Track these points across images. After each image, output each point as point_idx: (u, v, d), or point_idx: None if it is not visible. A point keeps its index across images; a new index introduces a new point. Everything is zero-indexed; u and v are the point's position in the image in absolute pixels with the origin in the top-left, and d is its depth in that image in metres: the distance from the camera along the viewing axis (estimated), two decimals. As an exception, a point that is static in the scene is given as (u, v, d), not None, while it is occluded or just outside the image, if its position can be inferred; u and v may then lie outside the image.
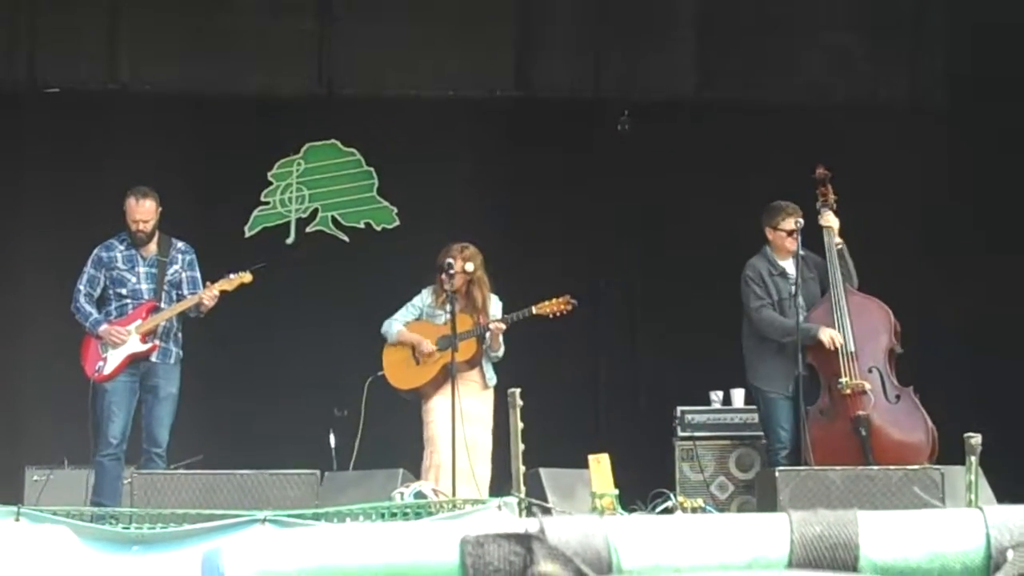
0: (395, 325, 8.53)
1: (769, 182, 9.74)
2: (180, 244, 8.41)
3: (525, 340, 8.65)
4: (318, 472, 7.12)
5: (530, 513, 6.63)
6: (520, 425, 6.72)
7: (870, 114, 10.61)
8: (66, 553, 5.82)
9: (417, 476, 8.17)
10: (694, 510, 7.56)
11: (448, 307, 8.23)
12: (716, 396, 9.30)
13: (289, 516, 6.08)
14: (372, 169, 10.92)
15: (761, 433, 8.79)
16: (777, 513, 1.68)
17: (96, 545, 5.89)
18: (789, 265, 8.42)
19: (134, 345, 8.14)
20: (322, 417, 9.28)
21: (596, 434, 9.81)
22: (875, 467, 7.52)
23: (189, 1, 10.64)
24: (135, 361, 8.15)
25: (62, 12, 10.49)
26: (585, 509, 7.10)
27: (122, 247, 8.32)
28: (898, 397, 8.18)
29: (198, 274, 8.36)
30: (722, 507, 8.63)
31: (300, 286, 10.47)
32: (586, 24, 10.88)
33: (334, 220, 10.88)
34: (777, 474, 7.17)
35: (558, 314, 8.38)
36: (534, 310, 8.36)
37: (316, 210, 10.87)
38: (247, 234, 10.78)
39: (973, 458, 6.45)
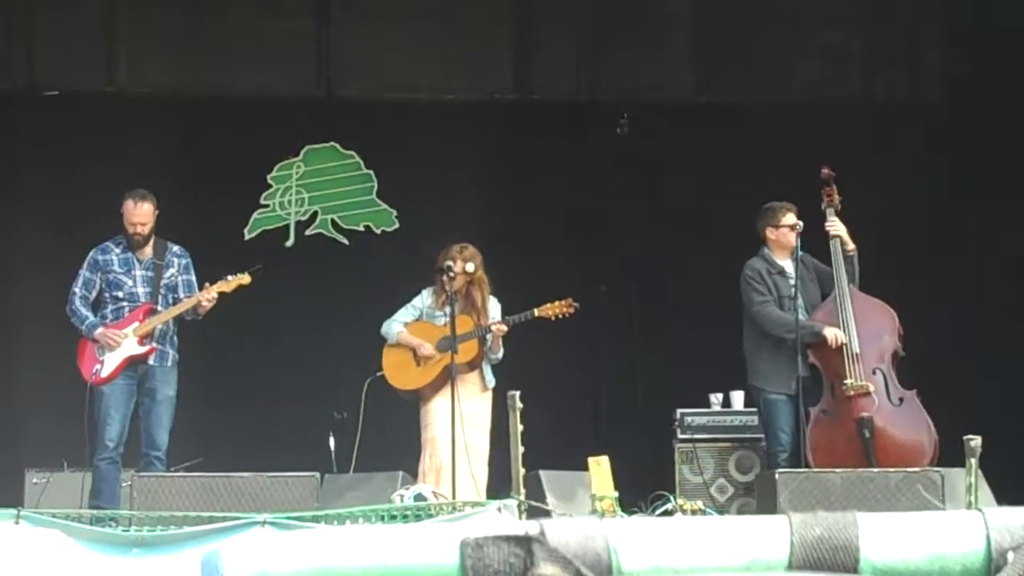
0: (395, 326, 8.53)
1: (768, 183, 9.74)
2: (176, 248, 8.40)
3: (525, 342, 8.65)
4: (318, 475, 7.11)
5: (530, 515, 6.63)
6: (520, 427, 6.72)
7: (868, 114, 10.61)
8: (66, 556, 5.83)
9: (416, 476, 8.17)
10: (694, 512, 7.55)
11: (448, 308, 8.23)
12: (716, 398, 9.29)
13: (289, 519, 6.09)
14: (371, 172, 10.92)
15: (761, 435, 8.79)
16: (777, 515, 1.68)
17: (96, 548, 5.89)
18: (788, 265, 8.43)
19: (131, 348, 8.12)
20: (322, 420, 9.28)
21: (596, 436, 9.81)
22: (875, 469, 7.51)
23: (187, 3, 10.65)
24: (132, 364, 8.13)
25: (60, 14, 10.50)
26: (585, 511, 7.11)
27: (118, 250, 8.31)
28: (901, 400, 8.17)
29: (194, 277, 8.35)
30: (722, 509, 8.63)
31: (300, 289, 10.47)
32: (584, 27, 10.89)
33: (333, 223, 10.88)
34: (777, 476, 7.17)
35: (560, 317, 8.38)
36: (536, 312, 8.36)
37: (316, 213, 10.87)
38: (246, 237, 10.78)
39: (973, 460, 6.45)
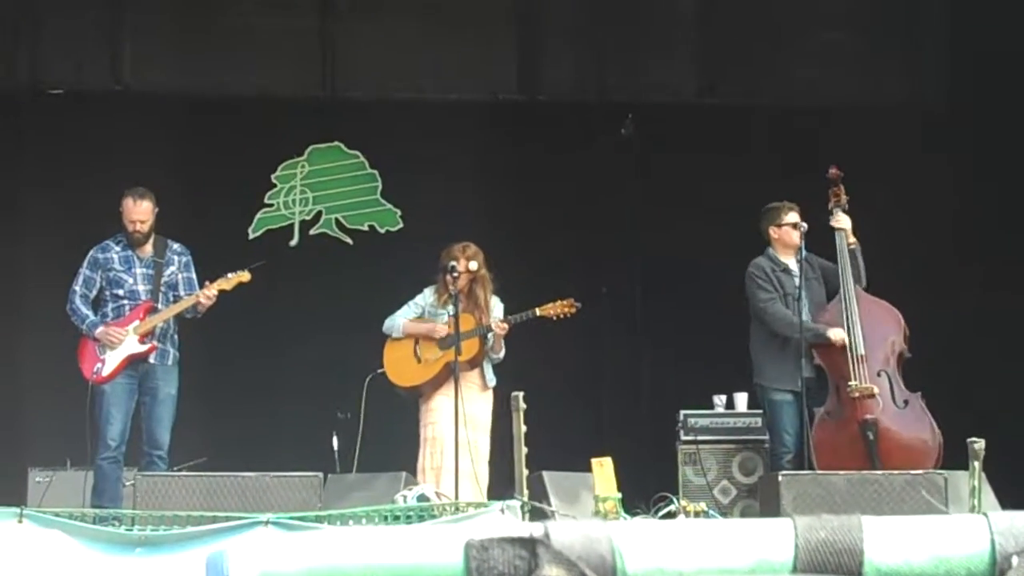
0: (399, 320, 8.54)
1: (772, 184, 9.74)
2: (176, 245, 8.41)
3: (528, 343, 8.65)
4: (321, 475, 7.11)
5: (533, 516, 6.63)
6: (523, 428, 6.72)
7: (871, 115, 10.60)
8: (69, 555, 5.83)
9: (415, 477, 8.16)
10: (697, 514, 7.54)
11: (450, 307, 8.24)
12: (719, 400, 9.28)
13: (292, 519, 6.09)
14: (376, 171, 10.93)
15: (764, 437, 8.79)
16: (782, 518, 1.68)
17: (99, 547, 5.90)
18: (792, 264, 8.44)
19: (132, 346, 8.13)
20: (325, 419, 9.28)
21: (599, 437, 9.80)
22: (879, 472, 7.51)
23: (192, 2, 10.65)
24: (133, 362, 8.14)
25: (64, 14, 10.50)
26: (588, 512, 7.11)
27: (118, 248, 8.32)
28: (906, 402, 8.17)
29: (194, 275, 8.35)
30: (725, 511, 8.62)
31: (304, 288, 10.48)
32: (589, 27, 10.89)
33: (338, 222, 10.89)
34: (780, 478, 7.17)
35: (561, 316, 8.39)
36: (538, 312, 8.37)
37: (320, 212, 10.88)
38: (251, 236, 10.78)
39: (977, 463, 6.45)
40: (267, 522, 5.97)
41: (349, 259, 10.73)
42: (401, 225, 10.85)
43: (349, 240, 10.89)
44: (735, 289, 8.67)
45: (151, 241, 8.31)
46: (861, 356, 8.16)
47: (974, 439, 6.48)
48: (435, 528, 1.70)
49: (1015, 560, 1.61)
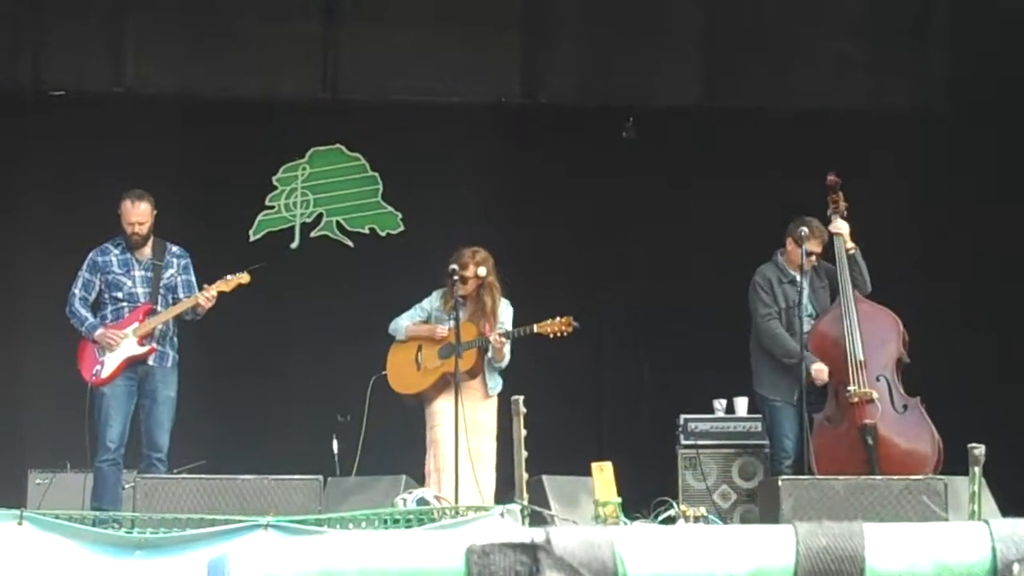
0: (404, 322, 8.54)
1: (774, 189, 9.76)
2: (175, 248, 8.41)
3: (529, 349, 8.65)
4: (321, 478, 7.11)
5: (533, 521, 6.63)
6: (523, 432, 6.72)
7: (873, 121, 10.60)
8: (69, 557, 5.83)
9: (419, 479, 8.16)
10: (696, 519, 7.53)
11: (456, 312, 8.23)
12: (719, 404, 9.28)
13: (292, 522, 6.08)
14: (377, 174, 10.92)
15: (764, 442, 8.79)
16: (783, 525, 1.68)
17: (99, 549, 5.89)
18: (798, 276, 8.43)
19: (131, 348, 8.13)
20: (325, 423, 9.28)
21: (599, 442, 9.81)
22: (878, 477, 7.51)
23: (194, 5, 10.64)
24: (132, 365, 8.14)
25: (67, 15, 10.49)
26: (588, 517, 7.10)
27: (117, 251, 8.32)
28: (905, 407, 8.18)
29: (193, 278, 8.36)
30: (725, 516, 8.62)
31: (304, 291, 10.47)
32: (592, 31, 10.87)
33: (339, 225, 10.88)
34: (780, 483, 7.16)
35: (558, 335, 8.34)
36: (536, 328, 8.33)
37: (321, 215, 10.88)
38: (252, 238, 10.78)
39: (977, 469, 6.44)
40: (267, 525, 5.97)
41: (350, 262, 10.73)
42: (402, 228, 10.84)
43: (350, 243, 10.88)
44: (737, 293, 8.67)
45: (150, 244, 8.32)
46: (860, 362, 8.16)
47: (974, 445, 6.47)
48: (436, 533, 1.70)
49: (1016, 567, 1.61)
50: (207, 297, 8.14)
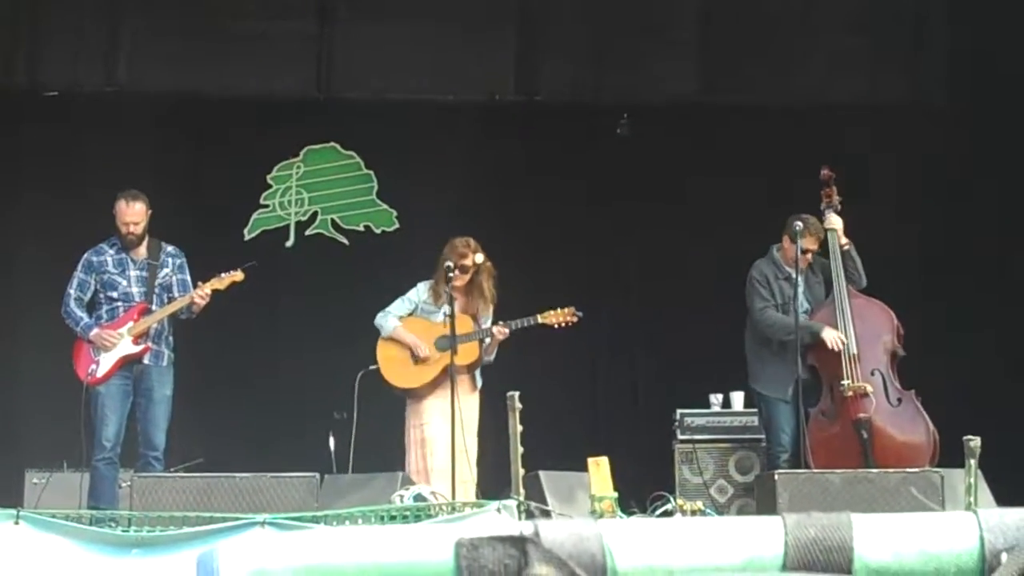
0: (390, 319, 8.50)
1: (771, 184, 9.76)
2: (170, 248, 8.42)
3: (524, 343, 8.65)
4: (317, 475, 7.10)
5: (529, 516, 6.63)
6: (519, 428, 6.72)
7: (871, 115, 10.60)
8: (65, 556, 5.83)
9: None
10: (693, 513, 7.55)
11: (447, 306, 8.21)
12: (716, 399, 9.30)
13: (289, 519, 6.08)
14: (371, 172, 10.93)
15: (761, 436, 8.80)
16: (771, 516, 1.68)
17: (96, 548, 5.90)
18: (794, 272, 8.44)
19: (126, 347, 8.14)
20: (321, 420, 9.28)
21: (595, 437, 9.80)
22: (874, 470, 7.51)
23: (188, 4, 10.64)
24: (128, 363, 8.15)
25: (61, 15, 10.49)
26: (585, 512, 7.10)
27: (112, 251, 8.33)
28: (900, 400, 8.18)
29: (188, 277, 8.37)
30: (722, 510, 8.64)
31: (299, 289, 10.48)
32: (587, 27, 10.87)
33: (334, 223, 10.89)
34: (777, 477, 7.17)
35: (562, 325, 8.35)
36: (539, 319, 8.33)
37: (316, 213, 10.88)
38: (246, 237, 10.78)
39: (973, 461, 6.45)
40: (263, 523, 5.97)
41: (345, 260, 10.73)
42: (397, 226, 10.84)
43: (345, 241, 10.89)
44: (733, 288, 8.68)
45: (145, 243, 8.32)
46: (854, 355, 8.17)
47: (970, 437, 6.48)
48: (427, 527, 1.71)
49: (1004, 557, 1.62)
50: (201, 295, 8.15)
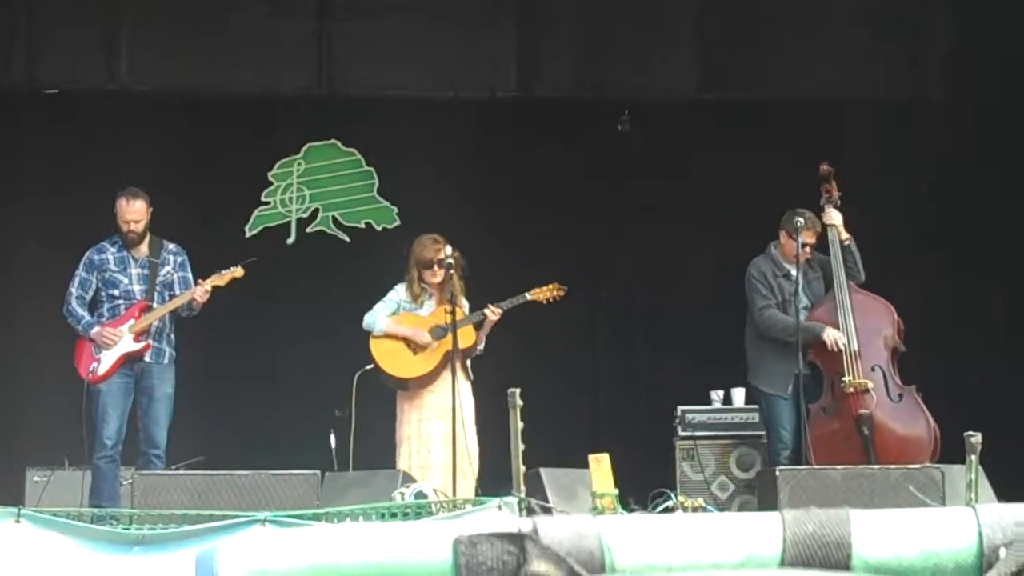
0: (380, 318, 8.51)
1: (771, 180, 9.75)
2: (171, 245, 8.43)
3: (525, 338, 8.66)
4: (319, 473, 7.11)
5: (530, 513, 6.62)
6: (520, 425, 6.72)
7: (872, 109, 10.60)
8: (67, 554, 5.83)
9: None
10: (694, 510, 7.54)
11: (425, 301, 8.27)
12: (717, 395, 9.29)
13: (290, 517, 6.08)
14: (372, 169, 10.93)
15: (762, 432, 8.80)
16: (770, 512, 1.68)
17: (97, 546, 5.89)
18: (793, 269, 8.43)
19: (127, 344, 8.15)
20: (323, 418, 9.27)
21: (596, 434, 9.81)
22: (875, 466, 7.51)
23: (188, 1, 10.64)
24: (129, 361, 8.16)
25: (60, 12, 10.49)
26: (586, 509, 7.10)
27: (113, 249, 8.34)
28: (901, 396, 8.18)
29: (190, 275, 8.38)
30: (723, 507, 8.63)
31: (301, 286, 10.48)
32: (588, 23, 10.87)
33: (335, 220, 10.89)
34: (778, 473, 7.17)
35: (551, 300, 8.41)
36: (528, 296, 8.39)
37: (316, 210, 10.88)
38: (248, 234, 10.78)
39: (973, 457, 6.45)
40: (264, 520, 5.97)
41: (346, 257, 10.73)
42: (398, 222, 10.84)
43: (346, 237, 10.89)
44: (733, 284, 8.68)
45: (146, 241, 8.33)
46: (855, 351, 8.17)
47: (971, 433, 6.48)
48: (426, 524, 1.71)
49: (1003, 552, 1.62)
50: (202, 292, 8.16)
